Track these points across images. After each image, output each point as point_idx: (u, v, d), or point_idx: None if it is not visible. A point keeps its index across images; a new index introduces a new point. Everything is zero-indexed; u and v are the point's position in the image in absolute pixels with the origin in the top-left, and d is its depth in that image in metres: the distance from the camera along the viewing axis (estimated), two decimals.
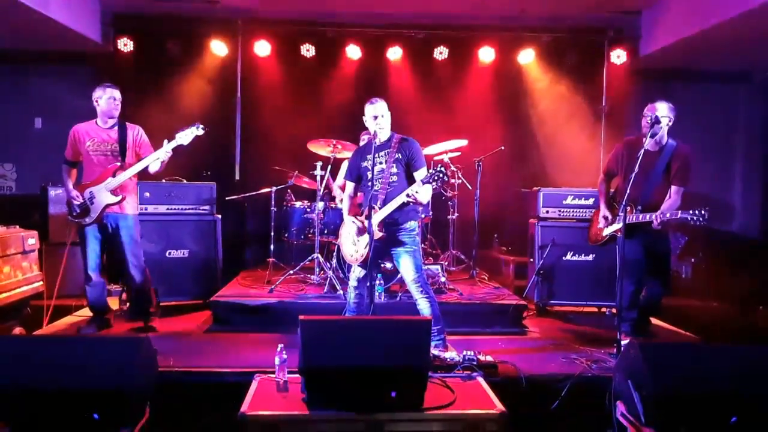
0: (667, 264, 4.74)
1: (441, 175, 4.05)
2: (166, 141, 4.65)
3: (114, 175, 4.66)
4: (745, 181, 8.40)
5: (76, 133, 4.80)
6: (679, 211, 4.24)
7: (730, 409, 2.99)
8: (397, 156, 4.28)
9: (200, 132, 4.67)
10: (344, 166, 6.06)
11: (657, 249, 4.63)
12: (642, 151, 4.26)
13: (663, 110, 4.48)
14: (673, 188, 4.50)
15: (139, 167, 4.68)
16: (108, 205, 4.67)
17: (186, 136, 4.65)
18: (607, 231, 4.79)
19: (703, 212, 4.12)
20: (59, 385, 2.86)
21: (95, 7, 7.12)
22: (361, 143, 5.76)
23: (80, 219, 4.69)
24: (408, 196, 4.11)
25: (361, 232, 4.31)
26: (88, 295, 4.82)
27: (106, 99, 4.72)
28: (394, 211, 4.21)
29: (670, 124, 4.53)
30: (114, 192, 4.67)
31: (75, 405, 2.85)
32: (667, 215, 4.27)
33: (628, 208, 4.49)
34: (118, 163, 4.71)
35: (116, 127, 4.80)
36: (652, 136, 4.46)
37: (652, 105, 4.54)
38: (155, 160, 4.64)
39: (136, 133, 4.86)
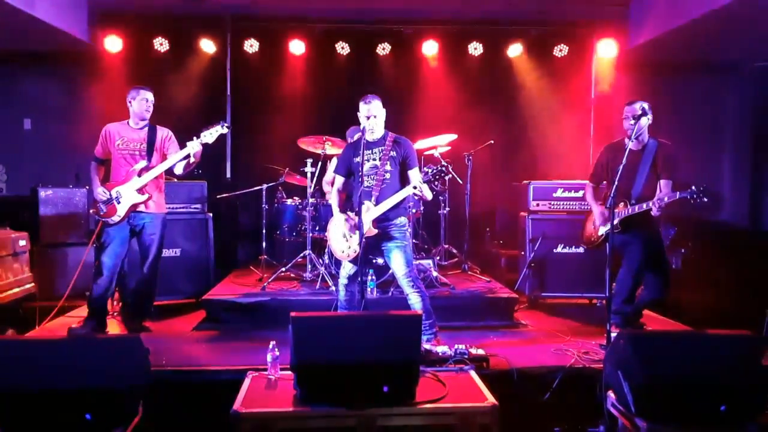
0: (665, 262, 4.78)
1: (443, 175, 4.11)
2: (193, 140, 4.68)
3: (140, 175, 4.71)
4: (734, 171, 8.45)
5: (108, 132, 4.85)
6: (677, 193, 4.26)
7: (720, 397, 3.02)
8: (392, 154, 4.32)
9: (225, 130, 4.72)
10: (333, 162, 6.06)
11: (652, 244, 4.66)
12: (627, 150, 4.33)
13: (639, 107, 4.54)
14: (663, 182, 4.55)
15: (164, 166, 4.74)
16: (134, 204, 4.71)
17: (211, 135, 4.69)
18: (603, 230, 4.81)
19: (701, 188, 4.14)
20: (52, 386, 2.85)
21: (82, 5, 7.08)
22: (349, 139, 5.77)
23: (107, 218, 4.70)
24: (414, 187, 4.15)
25: (353, 228, 4.32)
26: (94, 291, 4.75)
27: (139, 101, 4.79)
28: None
29: (650, 121, 4.59)
30: (140, 191, 4.71)
31: (68, 406, 2.85)
32: (665, 199, 4.31)
33: (621, 204, 4.54)
34: (144, 163, 4.75)
35: (146, 128, 4.86)
36: (638, 134, 4.52)
37: (630, 106, 4.59)
38: (180, 159, 4.69)
39: (165, 134, 4.92)
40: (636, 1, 7.31)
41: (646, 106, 4.53)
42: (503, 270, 6.86)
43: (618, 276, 4.72)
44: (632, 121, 4.48)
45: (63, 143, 7.64)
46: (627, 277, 4.66)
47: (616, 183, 4.24)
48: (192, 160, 4.70)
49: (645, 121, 4.54)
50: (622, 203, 4.58)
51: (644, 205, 4.42)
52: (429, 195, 4.33)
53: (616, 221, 4.52)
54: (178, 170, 4.78)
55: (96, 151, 4.88)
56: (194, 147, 4.64)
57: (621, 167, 4.22)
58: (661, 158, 4.58)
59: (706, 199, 4.16)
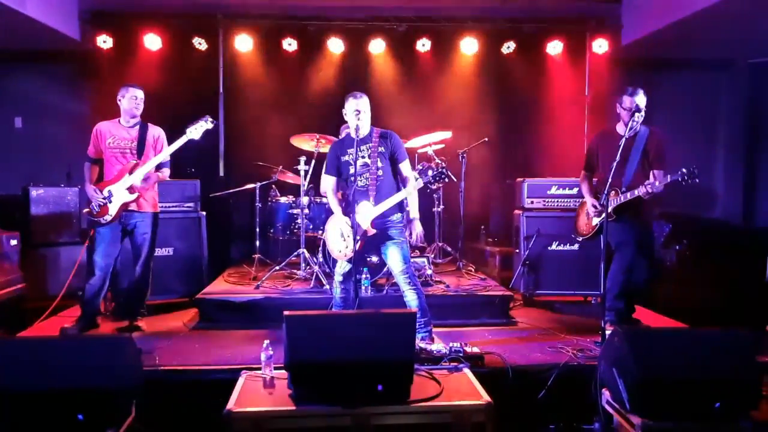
0: (651, 247, 4.78)
1: (442, 178, 4.08)
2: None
3: (131, 173, 4.68)
4: (727, 168, 8.47)
5: (98, 131, 4.83)
6: (668, 176, 4.26)
7: (714, 394, 3.02)
8: (380, 150, 4.28)
9: (210, 125, 4.73)
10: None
11: (644, 239, 4.66)
12: (623, 140, 4.33)
13: (642, 100, 4.53)
14: (656, 172, 4.56)
15: (153, 163, 4.72)
16: (125, 203, 4.69)
17: (196, 131, 4.69)
18: (596, 220, 4.81)
19: (692, 169, 4.13)
20: (43, 387, 2.83)
21: (73, 4, 7.04)
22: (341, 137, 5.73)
23: (99, 217, 4.68)
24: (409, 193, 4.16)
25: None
26: (87, 291, 4.74)
27: (128, 98, 4.76)
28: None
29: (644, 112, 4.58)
30: (130, 190, 4.68)
31: (60, 406, 2.83)
32: (656, 183, 4.31)
33: (613, 192, 4.53)
34: (134, 161, 4.74)
35: (137, 127, 4.84)
36: (632, 127, 4.51)
37: (631, 97, 4.54)
38: (167, 155, 4.71)
39: (156, 133, 4.91)
40: None
41: (641, 100, 4.51)
42: (498, 268, 6.87)
43: (609, 273, 4.70)
44: (636, 114, 4.45)
45: (54, 142, 7.60)
46: (618, 273, 4.67)
47: (612, 171, 4.21)
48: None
49: (642, 115, 4.53)
50: (613, 191, 4.57)
51: (636, 192, 4.42)
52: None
53: (609, 209, 4.51)
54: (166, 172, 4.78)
55: (88, 151, 4.85)
56: (179, 144, 4.66)
57: (615, 164, 4.21)
58: (653, 147, 4.59)
59: (697, 180, 4.14)
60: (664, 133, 4.68)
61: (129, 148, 4.78)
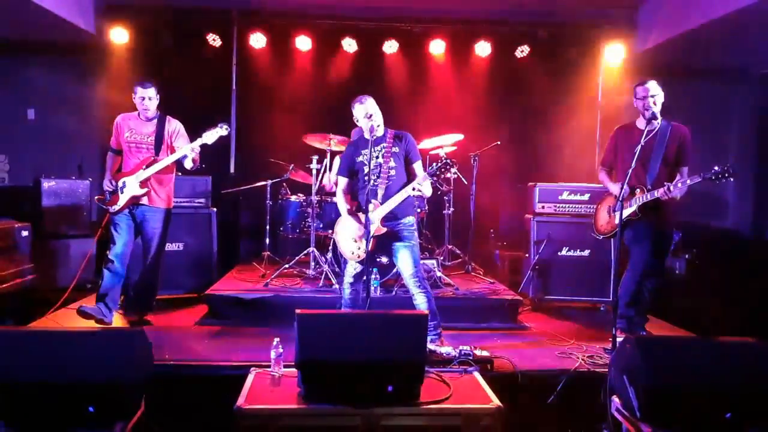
0: (665, 254, 4.69)
1: (449, 167, 4.08)
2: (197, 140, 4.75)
3: (146, 168, 4.72)
4: (738, 179, 8.41)
5: (118, 123, 4.89)
6: (701, 173, 4.10)
7: (725, 404, 3.01)
8: (394, 150, 4.31)
9: (224, 132, 4.76)
10: (337, 161, 6.03)
11: (661, 246, 4.58)
12: (645, 132, 4.19)
13: (654, 86, 4.44)
14: (681, 169, 4.48)
15: (168, 161, 4.76)
16: (134, 197, 4.72)
17: (211, 136, 4.72)
18: (626, 212, 4.47)
19: (726, 167, 3.99)
20: (54, 379, 2.84)
21: None
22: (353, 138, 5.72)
23: (109, 206, 4.75)
24: (414, 189, 4.15)
25: (363, 229, 4.27)
26: (104, 280, 4.75)
27: (137, 99, 4.80)
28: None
29: (662, 101, 4.47)
30: (142, 184, 4.71)
31: (70, 398, 2.84)
32: (688, 181, 4.19)
33: (638, 190, 4.44)
34: (152, 157, 4.77)
35: (155, 120, 4.87)
36: (653, 113, 4.37)
37: (643, 86, 4.44)
38: (181, 156, 4.72)
39: (173, 128, 4.93)
40: (645, 5, 7.29)
41: (655, 88, 4.42)
42: (507, 271, 6.85)
43: (622, 280, 4.63)
44: (650, 100, 4.36)
45: (67, 134, 7.62)
46: (631, 282, 4.58)
47: (631, 169, 4.09)
48: (194, 155, 4.72)
49: (660, 99, 4.42)
50: (639, 189, 4.43)
51: (655, 193, 4.30)
52: (428, 192, 4.32)
53: (634, 207, 4.41)
54: (187, 165, 4.80)
55: (111, 142, 4.94)
56: (194, 146, 4.68)
57: (635, 160, 4.09)
58: (676, 143, 4.46)
59: (732, 179, 4.01)
60: (688, 128, 4.53)
61: (145, 142, 4.81)
